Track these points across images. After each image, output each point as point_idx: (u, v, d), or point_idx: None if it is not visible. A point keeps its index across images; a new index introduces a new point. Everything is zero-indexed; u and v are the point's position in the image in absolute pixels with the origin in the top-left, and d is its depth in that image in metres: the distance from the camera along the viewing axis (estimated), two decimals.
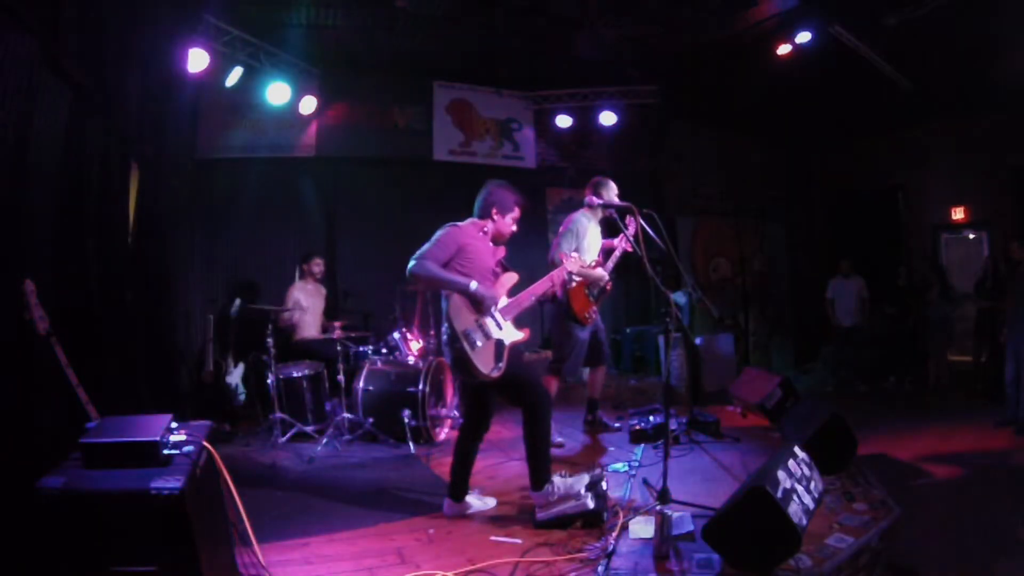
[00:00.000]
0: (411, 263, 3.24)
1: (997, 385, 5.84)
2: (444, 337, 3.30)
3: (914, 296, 7.70)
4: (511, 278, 3.58)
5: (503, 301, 3.48)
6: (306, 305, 5.87)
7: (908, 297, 7.76)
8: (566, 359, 4.86)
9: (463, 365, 3.25)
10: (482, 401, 3.53)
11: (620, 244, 4.88)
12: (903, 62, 6.94)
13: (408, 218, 7.31)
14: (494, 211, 3.52)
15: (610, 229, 4.81)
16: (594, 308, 4.84)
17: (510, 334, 3.43)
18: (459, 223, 3.46)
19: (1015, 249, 5.85)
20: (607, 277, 4.82)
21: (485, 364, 3.25)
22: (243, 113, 6.66)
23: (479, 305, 3.31)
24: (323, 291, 6.18)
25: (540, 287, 3.65)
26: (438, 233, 3.37)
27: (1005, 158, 7.96)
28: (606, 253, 4.96)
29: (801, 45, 6.46)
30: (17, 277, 2.66)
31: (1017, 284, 5.69)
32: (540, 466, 3.34)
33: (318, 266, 6.14)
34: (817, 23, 6.28)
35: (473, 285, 3.26)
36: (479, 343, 3.26)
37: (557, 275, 3.73)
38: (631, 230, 4.14)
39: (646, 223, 3.85)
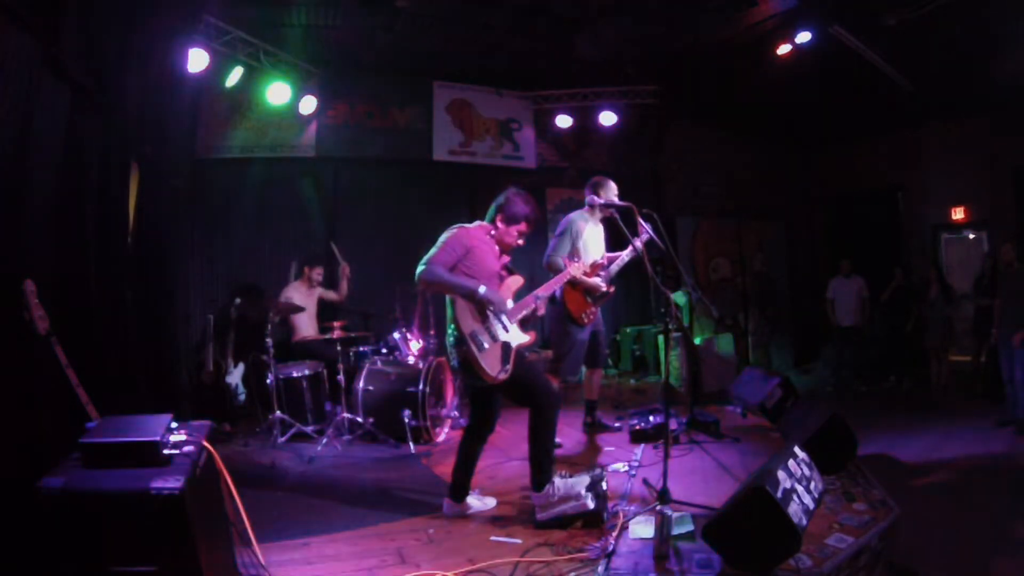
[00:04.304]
0: (419, 268, 3.23)
1: (997, 385, 5.86)
2: (451, 339, 3.28)
3: (914, 296, 7.71)
4: (516, 281, 3.59)
5: (508, 304, 3.48)
6: (303, 305, 5.87)
7: (908, 297, 7.76)
8: (564, 359, 4.86)
9: (470, 367, 3.23)
10: (487, 402, 3.53)
11: (627, 252, 4.80)
12: (903, 62, 6.94)
13: (408, 218, 7.32)
14: (499, 218, 3.51)
15: (613, 232, 4.79)
16: (592, 309, 4.81)
17: (516, 336, 3.42)
18: (467, 224, 3.47)
19: (1006, 251, 5.89)
20: (604, 287, 4.78)
21: (492, 366, 3.24)
22: (243, 113, 6.66)
23: (486, 309, 3.30)
24: (316, 293, 6.17)
25: (545, 289, 3.67)
26: (444, 235, 3.36)
27: (1005, 158, 7.96)
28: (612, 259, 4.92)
29: (801, 45, 6.46)
30: (17, 277, 2.66)
31: (1008, 284, 5.72)
32: (543, 467, 3.34)
33: (318, 274, 6.13)
34: (817, 23, 6.28)
35: (482, 289, 3.25)
36: (486, 345, 3.25)
37: (558, 280, 3.85)
38: (643, 238, 4.11)
39: (646, 223, 3.85)
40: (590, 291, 4.74)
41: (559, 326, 4.86)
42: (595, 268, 4.78)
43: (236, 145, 6.71)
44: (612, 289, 4.86)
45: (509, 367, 3.32)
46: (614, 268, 4.85)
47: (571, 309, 4.73)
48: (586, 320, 4.79)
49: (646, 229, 3.91)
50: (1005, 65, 6.35)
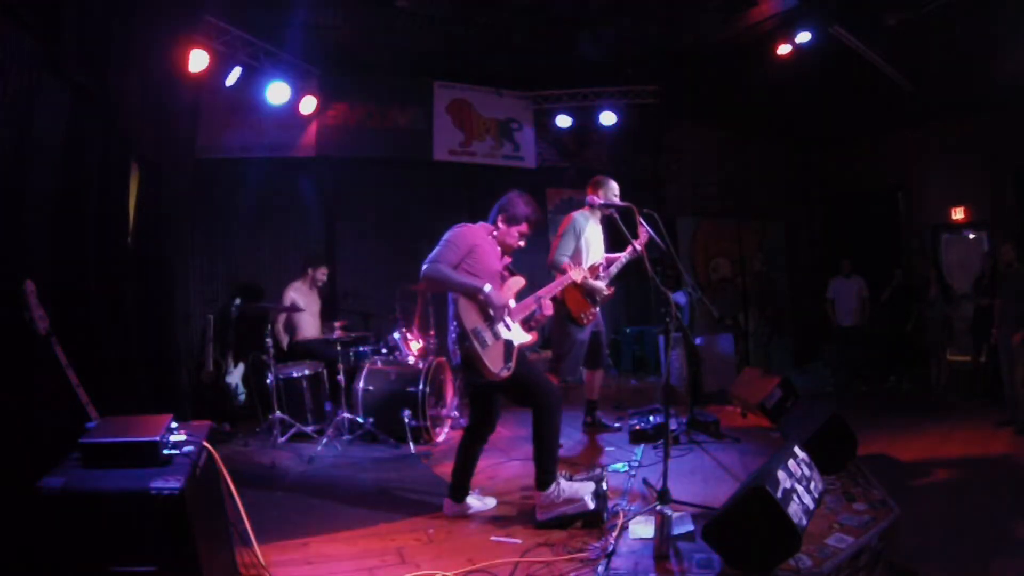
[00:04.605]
0: (424, 266, 3.26)
1: (997, 385, 5.86)
2: (453, 335, 3.29)
3: (914, 296, 7.70)
4: (518, 282, 3.59)
5: (511, 304, 3.48)
6: (303, 305, 5.87)
7: (908, 297, 7.76)
8: (563, 359, 4.86)
9: (473, 364, 3.23)
10: (487, 402, 3.53)
11: (627, 254, 4.79)
12: (903, 62, 6.94)
13: (408, 218, 7.32)
14: (500, 219, 3.53)
15: (613, 232, 4.79)
16: (593, 310, 4.81)
17: (519, 336, 3.43)
18: (470, 224, 3.49)
19: (1006, 251, 5.89)
20: (605, 291, 4.77)
21: (495, 363, 3.24)
22: (243, 113, 6.65)
23: (488, 310, 3.30)
24: (317, 293, 6.16)
25: (546, 291, 3.68)
26: (448, 234, 3.38)
27: (1005, 158, 7.95)
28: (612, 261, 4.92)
29: (801, 45, 6.46)
30: (17, 277, 2.66)
31: (1008, 284, 5.72)
32: (547, 466, 3.33)
33: (323, 274, 6.09)
34: (817, 23, 6.28)
35: (487, 288, 3.26)
36: (488, 342, 3.25)
37: (558, 283, 3.86)
38: (642, 239, 4.10)
39: (646, 223, 3.85)
40: (591, 293, 4.75)
41: (559, 326, 4.86)
42: (593, 271, 4.78)
43: (236, 145, 6.70)
44: (612, 290, 4.87)
45: (512, 365, 3.32)
46: (614, 269, 4.85)
47: (571, 309, 4.74)
48: (586, 320, 4.79)
49: (646, 229, 3.91)
50: (1005, 65, 6.35)
